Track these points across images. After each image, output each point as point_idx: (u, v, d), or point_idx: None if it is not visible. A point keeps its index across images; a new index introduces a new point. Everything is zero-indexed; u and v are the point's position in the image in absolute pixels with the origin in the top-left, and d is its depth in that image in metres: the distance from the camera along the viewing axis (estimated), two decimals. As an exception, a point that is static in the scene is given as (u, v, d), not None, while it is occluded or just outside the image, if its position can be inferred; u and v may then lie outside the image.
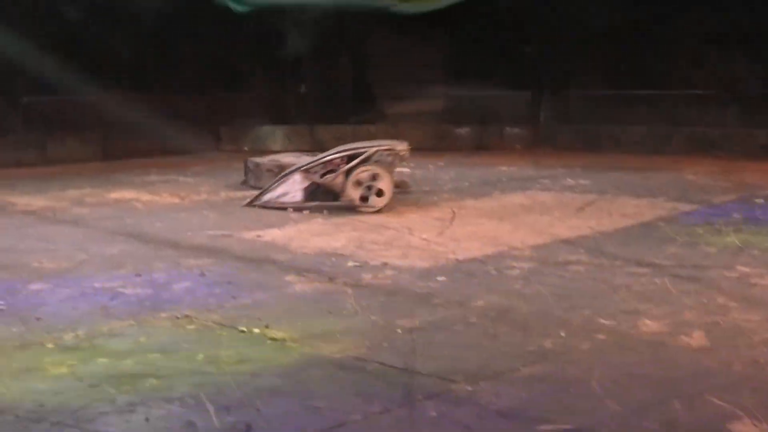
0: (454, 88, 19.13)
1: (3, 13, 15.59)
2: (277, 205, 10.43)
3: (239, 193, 11.45)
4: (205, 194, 11.45)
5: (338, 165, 10.31)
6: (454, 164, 15.04)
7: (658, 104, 17.29)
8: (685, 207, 10.30)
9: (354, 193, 10.13)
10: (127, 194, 11.42)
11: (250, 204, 10.59)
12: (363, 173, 10.17)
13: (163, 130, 16.74)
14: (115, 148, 16.45)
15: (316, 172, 10.37)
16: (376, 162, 10.32)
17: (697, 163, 14.52)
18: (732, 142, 16.35)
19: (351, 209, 10.10)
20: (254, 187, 11.42)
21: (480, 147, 17.69)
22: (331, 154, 10.53)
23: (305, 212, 10.05)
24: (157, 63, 17.48)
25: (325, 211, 10.00)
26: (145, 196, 11.27)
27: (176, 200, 11.07)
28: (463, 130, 18.31)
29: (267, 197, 10.57)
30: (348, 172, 10.19)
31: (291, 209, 10.21)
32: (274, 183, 10.66)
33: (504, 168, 14.37)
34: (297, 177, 10.50)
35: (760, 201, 10.64)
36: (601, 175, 13.31)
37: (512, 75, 18.25)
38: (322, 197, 10.37)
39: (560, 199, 10.95)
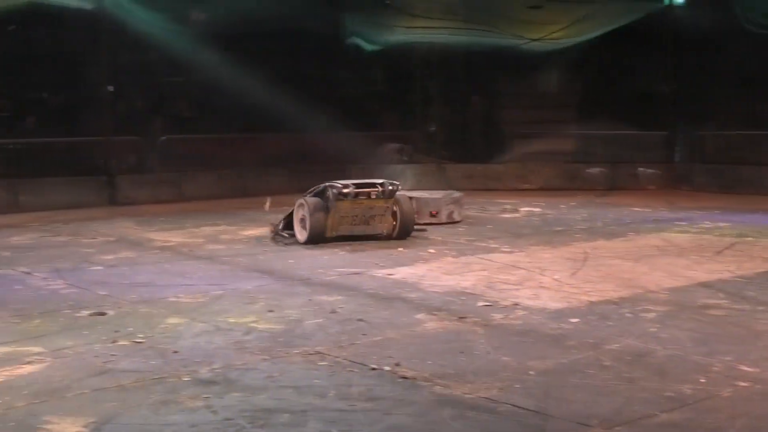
0: (585, 127, 18.95)
1: (140, 57, 16.21)
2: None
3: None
4: (336, 232, 11.54)
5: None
6: (585, 204, 14.85)
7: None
8: (831, 251, 9.91)
9: (296, 225, 10.80)
10: (259, 231, 11.62)
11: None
12: (297, 207, 10.81)
13: (293, 169, 17.05)
14: (248, 186, 16.81)
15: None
16: (327, 197, 10.63)
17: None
18: None
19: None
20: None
21: (612, 187, 17.41)
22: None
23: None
24: (288, 104, 17.82)
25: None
26: (278, 234, 11.44)
27: (308, 238, 11.18)
28: (595, 170, 18.06)
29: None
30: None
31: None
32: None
33: (637, 209, 14.10)
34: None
35: None
36: (740, 217, 12.93)
37: (646, 114, 17.94)
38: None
39: (698, 242, 10.66)
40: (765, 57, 16.17)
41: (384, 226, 10.86)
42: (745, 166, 17.05)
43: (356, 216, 10.68)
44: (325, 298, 7.59)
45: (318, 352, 5.88)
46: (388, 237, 10.84)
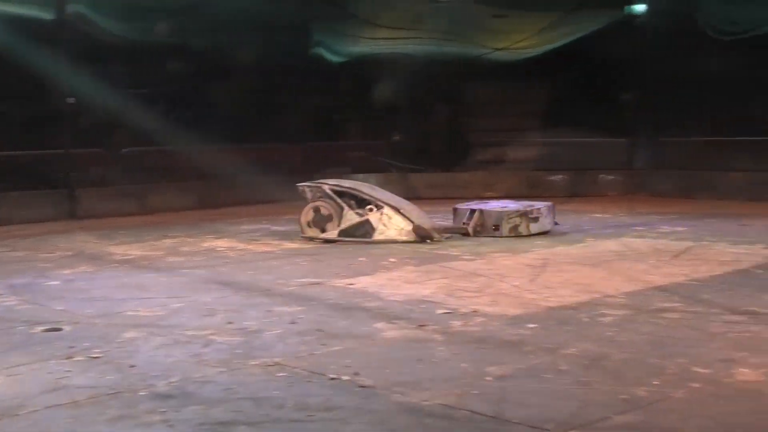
0: (548, 135, 19.07)
1: (103, 68, 16.10)
2: None
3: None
4: (298, 242, 11.56)
5: None
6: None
7: (758, 151, 16.87)
8: (785, 253, 10.03)
9: None
10: (220, 243, 11.60)
11: None
12: None
13: (258, 179, 17.02)
14: (212, 197, 16.76)
15: None
16: None
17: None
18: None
19: None
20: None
21: (574, 194, 17.53)
22: None
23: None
24: (254, 114, 17.80)
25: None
26: (239, 245, 11.43)
27: (268, 248, 11.19)
28: (557, 177, 18.18)
29: None
30: None
31: None
32: None
33: (598, 215, 14.21)
34: None
35: None
36: (697, 221, 13.08)
37: (608, 122, 18.07)
38: None
39: (655, 246, 10.77)
40: (726, 64, 16.32)
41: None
42: (704, 172, 17.25)
43: None
44: (284, 308, 7.58)
45: (277, 363, 5.87)
46: None
